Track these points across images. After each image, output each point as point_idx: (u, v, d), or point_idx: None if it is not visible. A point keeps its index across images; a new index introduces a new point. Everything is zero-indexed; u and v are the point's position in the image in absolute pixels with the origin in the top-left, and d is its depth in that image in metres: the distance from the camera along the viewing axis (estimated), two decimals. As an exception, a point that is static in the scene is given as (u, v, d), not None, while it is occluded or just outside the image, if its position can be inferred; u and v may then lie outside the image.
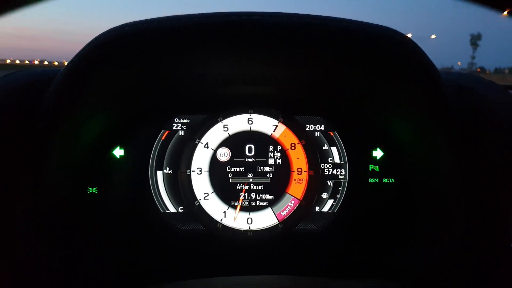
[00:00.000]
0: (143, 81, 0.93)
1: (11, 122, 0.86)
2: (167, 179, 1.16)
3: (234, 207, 1.17)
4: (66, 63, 0.85)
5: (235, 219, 1.16)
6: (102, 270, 0.99)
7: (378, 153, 1.18)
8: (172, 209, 1.16)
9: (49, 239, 0.91)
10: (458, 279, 0.89)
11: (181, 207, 1.16)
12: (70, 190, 0.97)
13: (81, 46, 0.80)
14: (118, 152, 1.13)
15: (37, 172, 0.86)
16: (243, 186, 1.17)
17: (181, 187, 1.16)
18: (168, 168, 1.16)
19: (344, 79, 0.97)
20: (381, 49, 0.83)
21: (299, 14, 0.80)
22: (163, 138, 1.16)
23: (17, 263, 0.85)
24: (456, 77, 0.99)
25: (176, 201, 1.16)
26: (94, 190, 1.09)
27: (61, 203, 0.94)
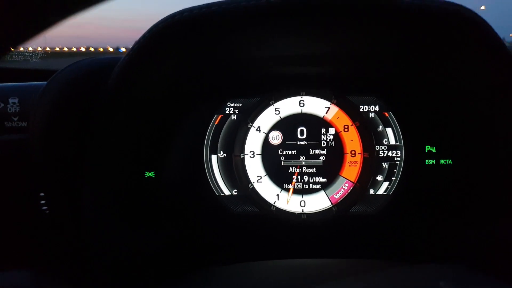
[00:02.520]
0: (200, 66, 0.94)
1: (75, 107, 0.89)
2: (221, 162, 1.18)
3: (287, 190, 1.17)
4: (110, 49, 0.87)
5: (288, 201, 1.17)
6: (160, 252, 1.03)
7: (435, 134, 1.13)
8: (226, 192, 1.18)
9: (110, 222, 0.95)
10: None
11: (235, 190, 1.18)
12: (127, 174, 1.00)
13: (124, 32, 0.82)
14: (174, 136, 1.15)
15: (96, 155, 0.90)
16: (295, 169, 1.17)
17: (235, 170, 1.17)
18: (222, 152, 1.18)
19: (402, 55, 0.93)
20: (442, 22, 0.79)
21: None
22: (216, 123, 1.17)
23: (82, 244, 0.91)
24: None
25: (230, 184, 1.18)
26: (151, 174, 1.13)
27: (119, 187, 0.98)
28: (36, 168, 0.92)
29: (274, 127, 1.17)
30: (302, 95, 1.16)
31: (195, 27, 0.78)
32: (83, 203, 0.90)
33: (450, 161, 1.13)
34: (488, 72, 0.84)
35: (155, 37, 0.79)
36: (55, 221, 0.97)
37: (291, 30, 0.85)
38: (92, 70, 0.93)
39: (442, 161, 1.14)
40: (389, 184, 1.16)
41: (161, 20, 0.79)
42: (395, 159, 1.16)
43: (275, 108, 1.17)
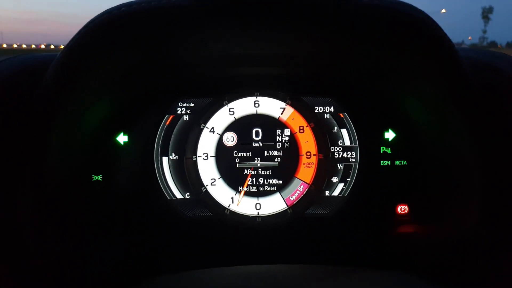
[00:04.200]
0: (144, 64, 0.90)
1: (8, 106, 0.83)
2: (173, 165, 1.13)
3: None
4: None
5: (238, 203, 1.14)
6: (108, 259, 0.98)
7: (390, 135, 1.14)
8: (178, 195, 1.14)
9: (54, 228, 0.89)
10: (473, 266, 0.86)
11: (188, 194, 1.14)
12: (73, 178, 0.95)
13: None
14: (122, 138, 1.10)
15: (38, 159, 0.83)
16: (250, 171, 1.14)
17: (187, 173, 1.13)
18: (173, 154, 1.13)
19: (355, 56, 0.92)
20: (394, 23, 0.78)
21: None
22: (167, 123, 1.13)
23: (21, 253, 0.84)
24: (476, 54, 0.94)
25: (182, 188, 1.14)
26: (99, 177, 1.07)
27: (65, 191, 0.92)
28: None
29: (228, 128, 1.14)
30: (257, 96, 1.14)
31: (133, 22, 0.74)
32: (21, 211, 0.83)
33: (405, 162, 1.14)
34: (438, 74, 0.85)
35: (91, 33, 0.74)
36: None
37: (239, 30, 0.81)
38: (27, 67, 0.87)
39: (397, 162, 1.14)
40: (344, 186, 1.15)
41: (98, 15, 0.74)
42: (350, 160, 1.15)
43: (229, 109, 1.13)
